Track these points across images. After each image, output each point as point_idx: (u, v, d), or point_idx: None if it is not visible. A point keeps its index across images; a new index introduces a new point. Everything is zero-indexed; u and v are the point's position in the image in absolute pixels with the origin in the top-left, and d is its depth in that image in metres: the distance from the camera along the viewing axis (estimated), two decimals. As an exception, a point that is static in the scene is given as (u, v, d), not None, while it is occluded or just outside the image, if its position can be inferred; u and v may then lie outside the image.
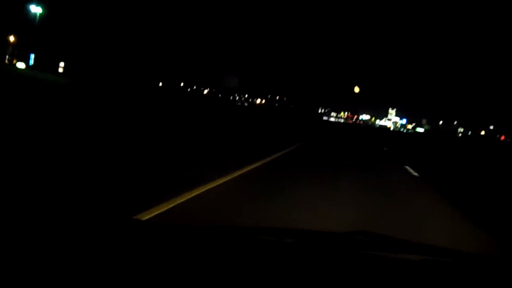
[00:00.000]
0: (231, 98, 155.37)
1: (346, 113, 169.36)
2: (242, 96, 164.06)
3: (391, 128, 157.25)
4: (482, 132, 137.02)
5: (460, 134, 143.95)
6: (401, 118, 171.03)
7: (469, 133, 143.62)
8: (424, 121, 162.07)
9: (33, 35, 66.84)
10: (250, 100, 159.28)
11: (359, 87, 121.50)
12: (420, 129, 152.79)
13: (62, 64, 76.78)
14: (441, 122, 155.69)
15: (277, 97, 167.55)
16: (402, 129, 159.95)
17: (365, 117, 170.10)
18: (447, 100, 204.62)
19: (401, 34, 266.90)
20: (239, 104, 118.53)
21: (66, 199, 4.18)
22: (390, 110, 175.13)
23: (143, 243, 1.24)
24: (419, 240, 1.95)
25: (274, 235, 1.72)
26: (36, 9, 67.89)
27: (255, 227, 1.70)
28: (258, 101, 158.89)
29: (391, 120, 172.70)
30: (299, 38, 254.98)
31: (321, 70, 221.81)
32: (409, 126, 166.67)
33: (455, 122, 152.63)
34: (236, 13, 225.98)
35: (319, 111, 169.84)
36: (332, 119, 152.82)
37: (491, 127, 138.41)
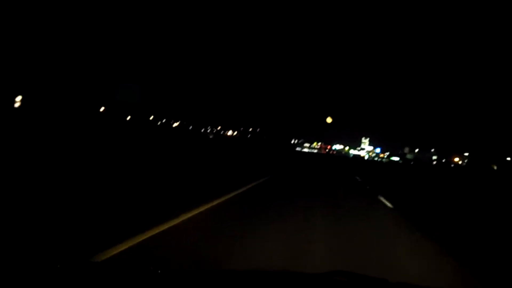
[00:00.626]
0: (202, 130, 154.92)
1: (319, 143, 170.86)
2: (213, 128, 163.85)
3: (365, 157, 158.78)
4: (456, 159, 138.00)
5: (434, 162, 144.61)
6: (375, 147, 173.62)
7: (443, 160, 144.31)
8: (406, 149, 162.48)
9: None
10: (222, 132, 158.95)
11: (331, 117, 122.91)
12: (395, 158, 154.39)
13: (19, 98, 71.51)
14: (417, 150, 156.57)
15: (250, 129, 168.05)
16: (376, 158, 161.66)
17: (338, 147, 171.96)
18: (421, 128, 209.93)
19: (370, 64, 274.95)
20: (210, 136, 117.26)
21: None
22: (363, 140, 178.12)
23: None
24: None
25: (254, 279, 1.78)
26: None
27: (232, 270, 1.82)
28: (230, 133, 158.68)
29: (365, 149, 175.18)
30: (271, 71, 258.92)
31: (293, 101, 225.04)
32: (382, 155, 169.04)
33: (432, 150, 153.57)
34: (208, 44, 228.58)
35: (293, 142, 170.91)
36: (305, 150, 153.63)
37: (466, 154, 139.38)
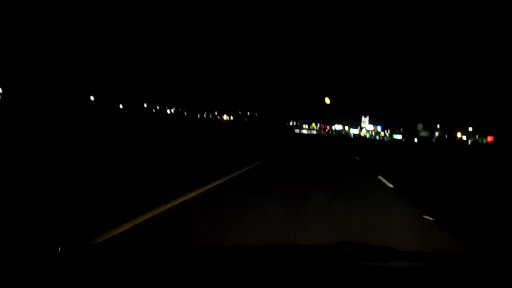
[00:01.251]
0: (199, 116, 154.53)
1: (318, 124, 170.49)
2: (210, 113, 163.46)
3: (367, 136, 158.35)
4: (459, 135, 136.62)
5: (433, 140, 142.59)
6: (375, 126, 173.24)
7: (446, 136, 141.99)
8: (420, 126, 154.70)
9: None
10: (218, 117, 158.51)
11: (329, 98, 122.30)
12: (398, 136, 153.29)
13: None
14: (421, 126, 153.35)
15: (248, 113, 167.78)
16: (377, 137, 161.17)
17: (338, 127, 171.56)
18: (423, 103, 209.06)
19: (367, 41, 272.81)
20: (201, 121, 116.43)
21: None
22: (363, 118, 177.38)
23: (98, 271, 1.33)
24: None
25: (260, 252, 1.84)
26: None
27: (239, 246, 1.82)
28: (225, 117, 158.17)
29: (365, 128, 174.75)
30: (268, 53, 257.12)
31: (290, 83, 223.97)
32: (382, 133, 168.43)
33: (438, 126, 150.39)
34: (204, 29, 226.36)
35: (291, 124, 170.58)
36: (304, 131, 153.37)
37: (470, 129, 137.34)
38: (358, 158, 22.39)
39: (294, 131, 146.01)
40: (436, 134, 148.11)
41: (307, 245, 1.99)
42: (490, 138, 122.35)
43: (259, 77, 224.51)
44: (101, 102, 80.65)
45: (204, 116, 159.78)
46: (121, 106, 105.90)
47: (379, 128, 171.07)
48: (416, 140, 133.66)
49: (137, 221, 4.83)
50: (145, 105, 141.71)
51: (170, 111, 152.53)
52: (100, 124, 29.48)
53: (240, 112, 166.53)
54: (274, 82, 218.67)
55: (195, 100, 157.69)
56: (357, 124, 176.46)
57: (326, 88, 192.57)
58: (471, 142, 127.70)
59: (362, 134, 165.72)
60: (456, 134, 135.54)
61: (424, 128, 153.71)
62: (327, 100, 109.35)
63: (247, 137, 39.85)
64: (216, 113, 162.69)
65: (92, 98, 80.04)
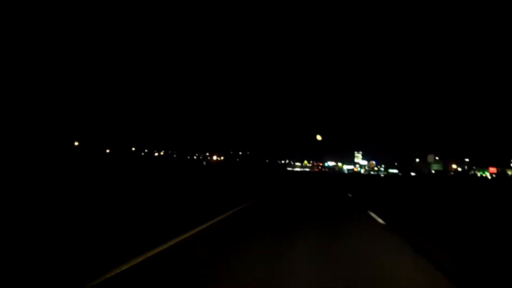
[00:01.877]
0: (188, 157, 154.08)
1: (311, 161, 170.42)
2: (200, 154, 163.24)
3: (361, 172, 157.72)
4: (454, 166, 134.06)
5: (433, 171, 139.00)
6: (369, 161, 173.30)
7: (442, 169, 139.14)
8: (431, 157, 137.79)
9: None
10: (208, 157, 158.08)
11: (321, 135, 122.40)
12: (393, 171, 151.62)
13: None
14: (417, 160, 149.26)
15: (240, 153, 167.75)
16: (372, 172, 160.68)
17: (330, 163, 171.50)
18: (416, 136, 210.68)
19: (357, 78, 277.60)
20: (204, 163, 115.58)
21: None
22: (356, 154, 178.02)
23: None
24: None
25: None
26: None
27: None
28: (215, 157, 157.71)
29: (358, 163, 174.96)
30: (258, 93, 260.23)
31: (281, 122, 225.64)
32: (376, 168, 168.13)
33: (417, 160, 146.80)
34: (193, 64, 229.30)
35: (283, 162, 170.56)
36: (297, 169, 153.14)
37: (467, 160, 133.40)
38: (350, 195, 21.96)
39: (286, 168, 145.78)
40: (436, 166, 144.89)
41: None
42: (492, 169, 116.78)
43: (250, 116, 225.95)
44: (86, 147, 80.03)
45: (194, 157, 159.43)
46: (107, 151, 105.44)
47: (373, 163, 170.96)
48: (413, 174, 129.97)
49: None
50: (133, 149, 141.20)
51: (159, 153, 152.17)
52: (82, 168, 28.93)
53: (231, 152, 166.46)
54: (265, 121, 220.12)
55: (184, 142, 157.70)
56: (350, 160, 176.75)
57: (317, 125, 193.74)
58: (471, 174, 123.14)
59: (355, 169, 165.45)
60: (451, 166, 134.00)
61: (436, 161, 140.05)
62: (319, 137, 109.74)
63: (235, 176, 39.33)
64: (207, 154, 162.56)
65: (76, 143, 79.45)
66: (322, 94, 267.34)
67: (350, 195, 22.09)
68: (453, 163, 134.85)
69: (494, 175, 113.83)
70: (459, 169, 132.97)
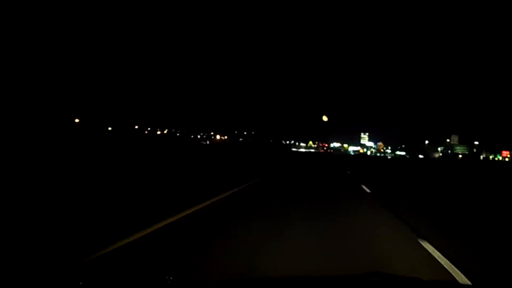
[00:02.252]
0: (192, 136, 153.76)
1: (316, 142, 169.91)
2: (204, 134, 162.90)
3: (367, 154, 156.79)
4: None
5: (441, 154, 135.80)
6: (375, 143, 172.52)
7: (449, 151, 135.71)
8: (455, 138, 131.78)
9: None
10: (212, 137, 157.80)
11: (327, 116, 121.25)
12: (401, 153, 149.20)
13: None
14: (427, 142, 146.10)
15: (245, 132, 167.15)
16: (378, 154, 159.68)
17: (336, 144, 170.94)
18: (424, 118, 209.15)
19: (364, 58, 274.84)
20: (203, 142, 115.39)
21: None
22: (362, 135, 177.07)
23: None
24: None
25: (285, 285, 1.95)
26: None
27: (257, 278, 2.14)
28: (218, 137, 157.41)
29: (365, 144, 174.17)
30: (262, 72, 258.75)
31: (287, 101, 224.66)
32: (382, 147, 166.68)
33: (426, 142, 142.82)
34: (198, 47, 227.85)
35: (289, 142, 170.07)
36: (302, 150, 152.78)
37: (476, 142, 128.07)
38: (349, 173, 22.01)
39: (291, 149, 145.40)
40: (439, 149, 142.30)
41: (329, 276, 2.18)
42: (505, 153, 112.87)
43: (256, 96, 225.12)
44: (88, 124, 79.80)
45: (198, 136, 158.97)
46: (110, 128, 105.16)
47: (382, 144, 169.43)
48: (421, 156, 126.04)
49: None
50: (136, 127, 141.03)
51: (162, 132, 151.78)
52: (80, 146, 28.70)
53: (236, 132, 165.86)
54: (271, 100, 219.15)
55: (189, 121, 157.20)
56: (356, 141, 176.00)
57: (324, 106, 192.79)
58: (483, 158, 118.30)
59: (361, 151, 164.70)
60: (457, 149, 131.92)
61: (461, 143, 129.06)
62: (325, 118, 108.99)
63: (239, 157, 39.05)
64: (212, 133, 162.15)
65: (77, 120, 79.10)
66: (330, 75, 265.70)
67: (348, 173, 22.35)
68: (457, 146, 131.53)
69: (507, 159, 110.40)
70: (466, 152, 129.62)
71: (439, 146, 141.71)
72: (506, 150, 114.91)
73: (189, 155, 34.45)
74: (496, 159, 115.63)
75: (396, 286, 1.93)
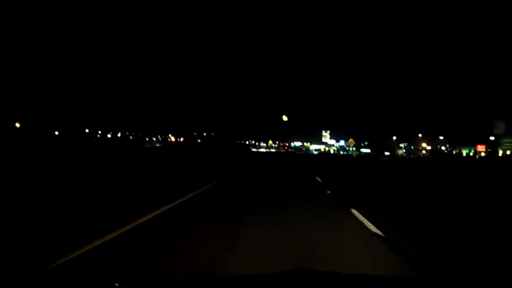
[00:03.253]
0: (147, 139, 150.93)
1: (276, 142, 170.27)
2: (162, 136, 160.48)
3: (331, 152, 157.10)
4: (424, 144, 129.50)
5: (404, 151, 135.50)
6: (337, 140, 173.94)
7: (412, 147, 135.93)
8: (501, 124, 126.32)
9: None
10: (168, 139, 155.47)
11: (287, 115, 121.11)
12: (366, 150, 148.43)
13: None
14: (395, 138, 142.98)
15: (204, 134, 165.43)
16: (341, 152, 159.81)
17: (297, 144, 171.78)
18: (382, 116, 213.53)
19: (321, 56, 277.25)
20: (147, 145, 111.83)
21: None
22: (323, 133, 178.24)
23: None
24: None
25: (212, 285, 1.99)
26: None
27: (186, 280, 2.26)
28: (173, 139, 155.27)
29: (327, 142, 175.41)
30: (223, 72, 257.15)
31: (246, 102, 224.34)
32: (349, 144, 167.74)
33: (394, 138, 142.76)
34: (148, 49, 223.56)
35: (248, 142, 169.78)
36: (262, 150, 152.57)
37: (441, 137, 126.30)
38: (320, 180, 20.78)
39: (250, 149, 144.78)
40: (402, 145, 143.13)
41: (252, 275, 2.28)
42: (481, 147, 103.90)
43: (215, 97, 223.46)
44: (30, 128, 76.00)
45: (154, 139, 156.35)
46: (56, 133, 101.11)
47: (342, 143, 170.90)
48: (387, 153, 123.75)
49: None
50: (87, 131, 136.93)
51: (115, 135, 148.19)
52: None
53: (195, 133, 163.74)
54: (230, 101, 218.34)
55: (144, 123, 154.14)
56: (317, 139, 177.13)
57: (283, 105, 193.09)
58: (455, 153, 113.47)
59: (322, 149, 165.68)
60: (420, 145, 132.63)
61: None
62: (285, 118, 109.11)
63: (194, 159, 37.75)
64: (170, 135, 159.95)
65: (17, 125, 74.98)
66: (288, 74, 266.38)
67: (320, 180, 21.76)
68: (423, 142, 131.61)
69: (482, 153, 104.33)
70: (429, 147, 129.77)
71: (404, 142, 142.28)
72: (481, 144, 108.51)
73: (146, 158, 32.93)
74: (470, 154, 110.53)
75: (316, 281, 1.95)
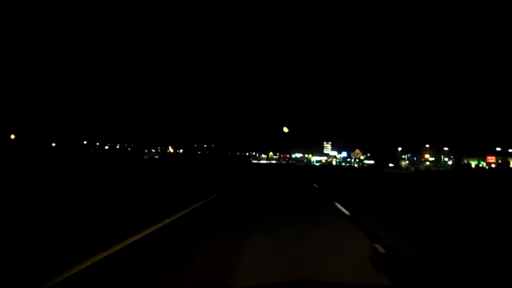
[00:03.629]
0: (146, 151, 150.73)
1: (277, 153, 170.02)
2: (162, 148, 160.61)
3: (332, 164, 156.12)
4: (427, 156, 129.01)
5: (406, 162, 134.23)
6: (339, 152, 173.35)
7: (415, 159, 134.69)
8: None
9: None
10: (167, 150, 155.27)
11: (288, 127, 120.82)
12: (369, 162, 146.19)
13: None
14: (400, 149, 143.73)
15: (205, 145, 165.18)
16: (343, 164, 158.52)
17: (298, 155, 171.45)
18: (385, 127, 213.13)
19: (323, 69, 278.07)
20: (145, 157, 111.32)
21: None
22: (325, 144, 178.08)
23: None
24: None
25: None
26: None
27: None
28: (171, 150, 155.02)
29: (328, 154, 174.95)
30: (223, 86, 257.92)
31: (247, 114, 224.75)
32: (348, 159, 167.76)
33: (399, 149, 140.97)
34: (147, 60, 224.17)
35: (249, 154, 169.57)
36: (263, 161, 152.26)
37: (445, 148, 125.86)
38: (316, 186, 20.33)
39: (251, 161, 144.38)
40: (405, 156, 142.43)
41: (261, 285, 2.16)
42: (491, 158, 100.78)
43: (215, 109, 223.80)
44: (26, 140, 75.34)
45: (153, 151, 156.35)
46: (53, 144, 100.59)
47: (344, 154, 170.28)
48: (391, 165, 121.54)
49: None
50: (85, 142, 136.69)
51: (115, 147, 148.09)
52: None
53: (196, 145, 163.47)
54: (231, 113, 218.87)
55: (144, 134, 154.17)
56: (319, 151, 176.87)
57: (284, 117, 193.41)
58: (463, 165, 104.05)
59: (323, 160, 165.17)
60: (423, 156, 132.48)
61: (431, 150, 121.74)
62: (286, 129, 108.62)
63: (191, 171, 37.09)
64: (170, 147, 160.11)
65: (12, 136, 74.37)
66: (289, 86, 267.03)
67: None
68: (427, 153, 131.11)
69: (493, 165, 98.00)
70: (432, 158, 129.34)
71: (407, 154, 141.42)
72: (490, 155, 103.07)
73: (144, 170, 32.23)
74: (480, 165, 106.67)
75: None
